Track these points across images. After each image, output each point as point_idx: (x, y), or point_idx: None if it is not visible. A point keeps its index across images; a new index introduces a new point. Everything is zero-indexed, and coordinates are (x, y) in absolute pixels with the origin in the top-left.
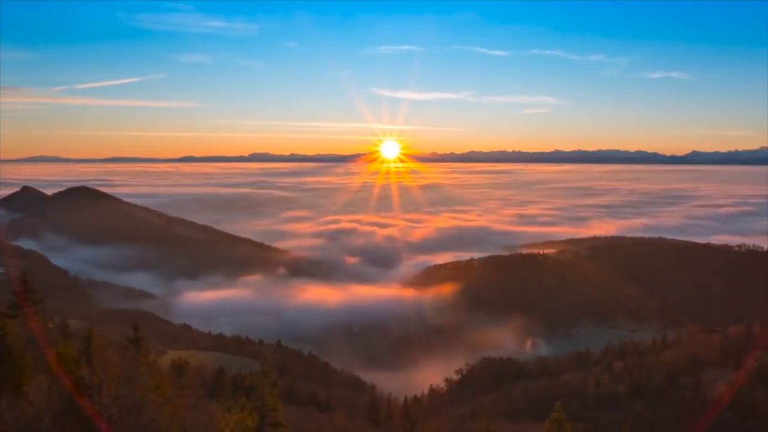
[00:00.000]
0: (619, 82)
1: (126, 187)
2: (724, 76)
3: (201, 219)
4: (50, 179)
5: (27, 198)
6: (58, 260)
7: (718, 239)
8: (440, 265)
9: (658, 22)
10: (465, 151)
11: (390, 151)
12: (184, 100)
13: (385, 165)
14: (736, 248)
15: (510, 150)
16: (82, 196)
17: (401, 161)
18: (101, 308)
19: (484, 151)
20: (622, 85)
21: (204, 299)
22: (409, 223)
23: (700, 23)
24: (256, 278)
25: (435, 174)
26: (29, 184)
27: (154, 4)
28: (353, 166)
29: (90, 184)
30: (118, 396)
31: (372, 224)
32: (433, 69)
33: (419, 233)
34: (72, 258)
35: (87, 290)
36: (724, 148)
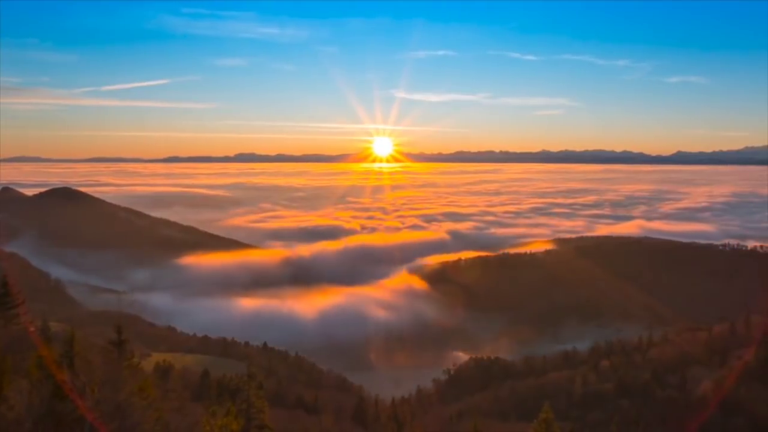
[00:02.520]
0: (637, 85)
1: (93, 187)
2: (721, 78)
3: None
4: (30, 180)
5: (7, 199)
6: (38, 262)
7: (702, 238)
8: (427, 265)
9: (677, 26)
10: (452, 151)
11: (380, 150)
12: (203, 102)
13: (376, 165)
14: (720, 247)
15: (497, 150)
16: (63, 197)
17: (395, 160)
18: (83, 310)
19: (472, 151)
20: (640, 88)
21: (188, 300)
22: (397, 223)
23: (700, 26)
24: (241, 278)
25: (424, 174)
26: (8, 185)
27: (211, 11)
28: (340, 166)
29: (69, 184)
30: (101, 400)
31: (356, 223)
32: (458, 72)
33: (406, 232)
34: (53, 260)
35: (69, 292)
36: (708, 148)
